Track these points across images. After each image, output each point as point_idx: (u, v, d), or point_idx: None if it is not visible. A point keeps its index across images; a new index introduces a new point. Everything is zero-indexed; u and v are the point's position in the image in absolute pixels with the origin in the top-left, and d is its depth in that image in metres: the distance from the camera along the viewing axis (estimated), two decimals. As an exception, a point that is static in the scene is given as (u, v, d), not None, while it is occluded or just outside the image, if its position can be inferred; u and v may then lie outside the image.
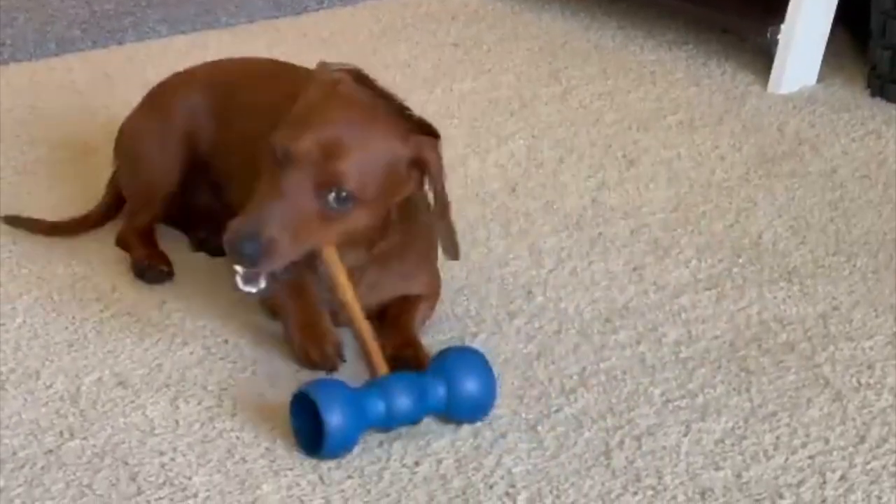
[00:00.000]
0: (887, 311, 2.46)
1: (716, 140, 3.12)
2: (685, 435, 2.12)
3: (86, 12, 3.81)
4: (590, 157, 3.03)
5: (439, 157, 2.16)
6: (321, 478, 2.02)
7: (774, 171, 2.97)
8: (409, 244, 2.27)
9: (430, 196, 2.21)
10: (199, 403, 2.18)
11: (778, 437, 2.12)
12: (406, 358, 2.20)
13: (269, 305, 2.34)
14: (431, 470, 2.04)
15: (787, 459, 2.07)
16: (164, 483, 2.00)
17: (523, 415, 2.16)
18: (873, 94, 3.35)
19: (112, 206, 2.65)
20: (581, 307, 2.46)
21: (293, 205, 2.04)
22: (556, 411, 2.18)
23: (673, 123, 3.20)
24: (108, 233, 2.62)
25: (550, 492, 2.00)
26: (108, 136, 2.87)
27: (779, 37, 3.37)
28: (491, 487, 2.01)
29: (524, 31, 3.75)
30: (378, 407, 2.03)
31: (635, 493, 2.00)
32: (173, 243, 2.60)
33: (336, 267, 2.12)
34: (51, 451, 2.07)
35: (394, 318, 2.31)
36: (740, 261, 2.62)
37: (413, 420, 2.09)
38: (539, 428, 2.13)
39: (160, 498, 1.98)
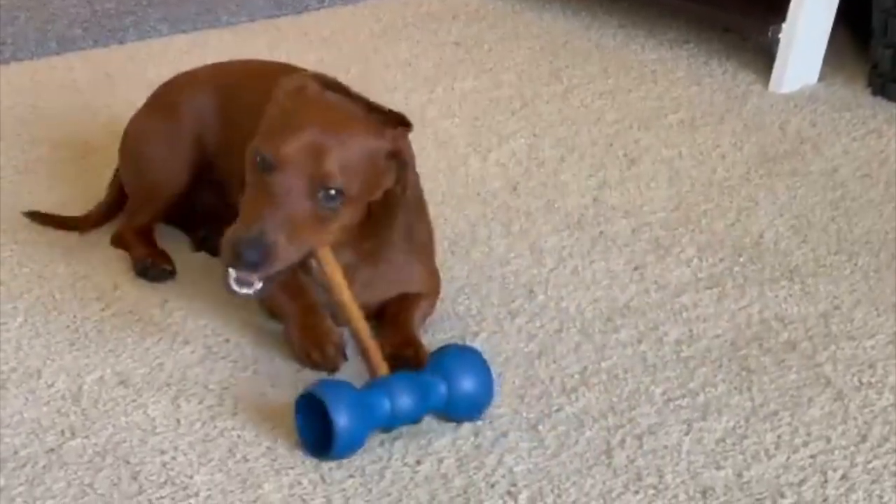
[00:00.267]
0: (889, 310, 2.46)
1: (717, 139, 3.12)
2: (686, 434, 2.12)
3: (87, 11, 3.81)
4: (591, 156, 3.03)
5: (409, 146, 2.21)
6: (322, 477, 2.02)
7: (776, 170, 2.97)
8: (396, 241, 2.28)
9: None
10: (200, 402, 2.18)
11: (779, 437, 2.12)
12: (406, 357, 2.20)
13: (268, 307, 2.35)
14: (433, 469, 2.04)
15: (788, 458, 2.07)
16: (165, 482, 2.00)
17: (524, 414, 2.16)
18: (874, 93, 3.35)
19: (114, 204, 2.66)
20: (582, 306, 2.46)
21: (288, 208, 2.07)
22: (558, 410, 2.18)
23: (674, 122, 3.20)
24: (110, 232, 2.62)
25: (552, 490, 2.00)
26: (109, 135, 2.87)
27: (780, 36, 3.37)
28: (492, 486, 2.01)
29: (525, 30, 3.75)
30: (384, 407, 2.04)
31: (636, 492, 2.00)
32: (174, 243, 2.60)
33: (332, 267, 2.13)
34: (52, 450, 2.07)
35: (393, 317, 2.32)
36: (741, 260, 2.62)
37: (415, 419, 2.09)
38: (540, 427, 2.13)
39: (161, 497, 1.98)
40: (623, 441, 2.11)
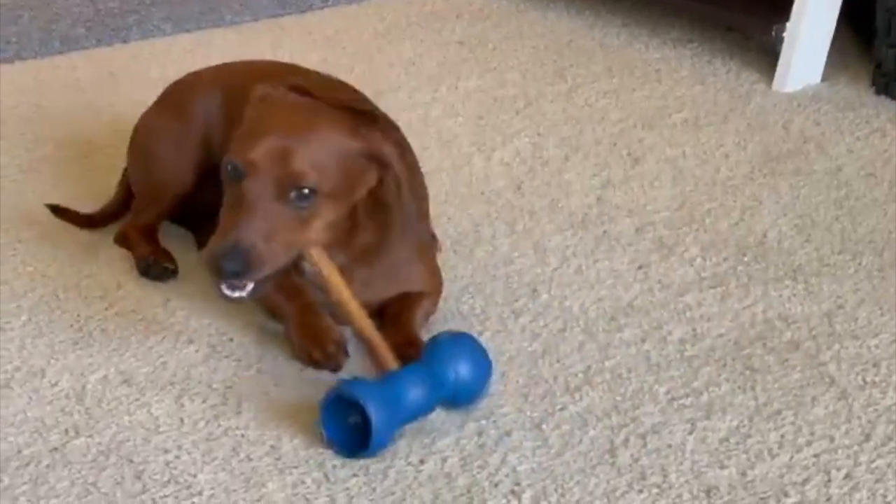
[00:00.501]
0: (892, 309, 2.46)
1: (721, 138, 3.12)
2: (690, 433, 2.12)
3: (90, 10, 3.82)
4: (595, 155, 3.03)
5: (396, 148, 2.20)
6: (326, 476, 2.02)
7: (779, 170, 2.97)
8: (391, 240, 2.28)
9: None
10: (203, 401, 2.18)
11: (783, 436, 2.12)
12: (409, 357, 2.19)
13: (267, 308, 2.35)
14: (436, 468, 2.04)
15: (792, 458, 2.07)
16: (169, 481, 2.00)
17: (528, 413, 2.16)
18: (878, 93, 3.35)
19: (123, 203, 2.66)
20: (586, 305, 2.46)
21: (261, 212, 2.08)
22: (561, 409, 2.18)
23: (678, 122, 3.20)
24: (113, 231, 2.62)
25: (555, 490, 2.00)
26: (112, 134, 2.87)
27: (784, 35, 3.36)
28: (496, 485, 2.01)
29: (529, 29, 3.75)
30: (407, 400, 2.05)
31: (640, 491, 2.00)
32: (178, 242, 2.60)
33: (327, 267, 2.14)
34: (56, 448, 2.07)
35: (394, 316, 2.32)
36: (745, 259, 2.62)
37: (431, 409, 2.10)
38: (544, 426, 2.13)
39: (165, 496, 1.98)
40: (627, 440, 2.11)
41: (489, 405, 2.17)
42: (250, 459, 2.05)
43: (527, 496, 1.99)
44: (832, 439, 2.11)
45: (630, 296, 2.49)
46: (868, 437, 2.12)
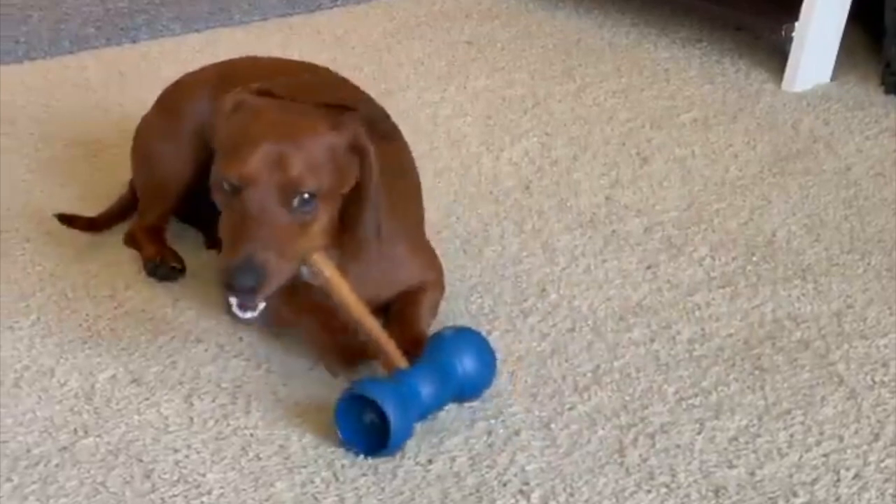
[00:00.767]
0: (902, 309, 2.46)
1: (730, 138, 3.12)
2: (699, 433, 2.12)
3: (100, 10, 3.82)
4: (603, 155, 3.03)
5: (370, 135, 2.17)
6: (335, 475, 2.02)
7: (788, 169, 2.97)
8: (371, 232, 2.25)
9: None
10: (213, 401, 2.18)
11: (792, 435, 2.12)
12: (418, 356, 2.19)
13: (284, 325, 2.32)
14: (445, 468, 2.04)
15: (801, 457, 2.07)
16: (178, 480, 2.01)
17: (537, 412, 2.16)
18: (887, 92, 3.35)
19: (129, 203, 2.66)
20: (595, 305, 2.46)
21: (268, 224, 2.05)
22: (570, 409, 2.18)
23: (687, 121, 3.20)
24: (122, 231, 2.62)
25: (564, 489, 2.00)
26: (121, 133, 2.87)
27: (793, 34, 3.36)
28: (504, 485, 2.01)
29: (538, 28, 3.75)
30: (421, 397, 2.06)
31: (649, 491, 2.00)
32: (186, 242, 2.60)
33: (329, 269, 2.12)
34: (65, 448, 2.07)
35: (399, 314, 2.30)
36: (754, 259, 2.62)
37: (443, 405, 2.11)
38: (552, 426, 2.13)
39: (174, 495, 1.98)
40: (636, 440, 2.10)
41: (498, 405, 2.17)
42: (259, 459, 2.05)
43: (535, 496, 1.99)
44: (841, 439, 2.11)
45: (639, 295, 2.49)
46: (877, 437, 2.12)
